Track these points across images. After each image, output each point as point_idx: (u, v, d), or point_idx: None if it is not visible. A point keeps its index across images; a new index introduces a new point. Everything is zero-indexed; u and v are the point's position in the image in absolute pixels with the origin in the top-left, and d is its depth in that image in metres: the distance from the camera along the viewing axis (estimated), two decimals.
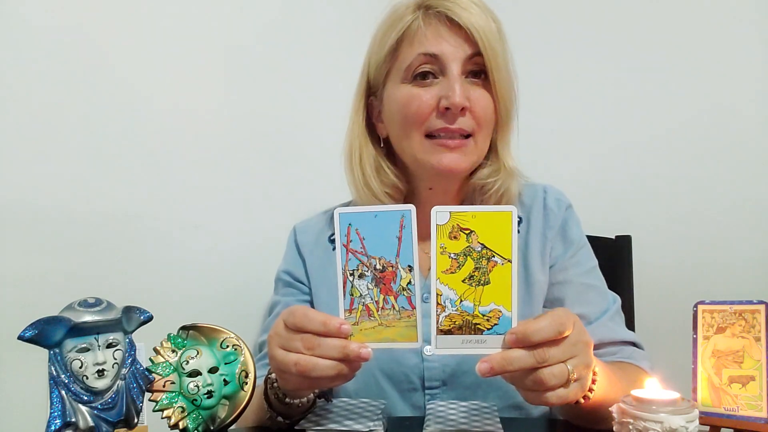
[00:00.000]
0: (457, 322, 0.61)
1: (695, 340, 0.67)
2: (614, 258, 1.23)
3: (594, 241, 0.99)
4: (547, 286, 0.91)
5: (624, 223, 1.33)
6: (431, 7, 0.87)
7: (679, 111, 1.39)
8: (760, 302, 0.63)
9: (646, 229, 1.36)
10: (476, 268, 0.60)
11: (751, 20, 1.33)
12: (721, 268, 1.33)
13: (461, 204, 0.97)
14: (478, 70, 0.87)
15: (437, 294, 0.61)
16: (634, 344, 0.89)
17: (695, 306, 0.68)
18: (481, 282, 0.60)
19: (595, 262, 0.95)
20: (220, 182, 1.24)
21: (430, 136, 0.87)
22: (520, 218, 0.95)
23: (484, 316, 0.60)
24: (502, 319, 0.60)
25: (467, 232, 0.60)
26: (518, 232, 0.93)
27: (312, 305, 0.99)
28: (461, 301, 0.61)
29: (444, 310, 0.61)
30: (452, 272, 0.61)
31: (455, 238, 0.61)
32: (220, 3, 1.26)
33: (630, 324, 1.13)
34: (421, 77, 0.87)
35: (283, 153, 1.37)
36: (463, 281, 0.61)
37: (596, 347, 0.84)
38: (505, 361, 0.58)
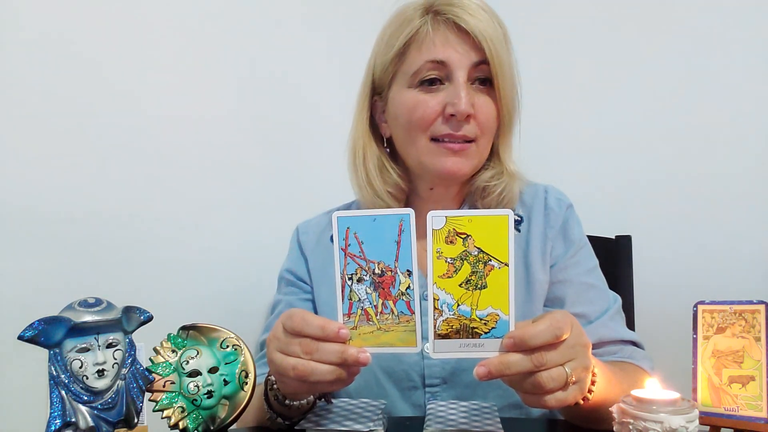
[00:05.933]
0: (454, 326, 0.61)
1: (695, 340, 0.67)
2: (614, 258, 1.23)
3: (594, 241, 0.99)
4: (548, 285, 0.91)
5: (624, 223, 1.33)
6: (440, 12, 0.87)
7: (679, 111, 1.39)
8: (760, 302, 0.63)
9: (646, 229, 1.36)
10: (473, 272, 0.60)
11: (751, 20, 1.32)
12: (721, 268, 1.33)
13: (462, 205, 0.98)
14: (484, 78, 0.88)
15: (434, 299, 0.60)
16: (634, 343, 0.89)
17: (695, 306, 0.68)
18: (478, 286, 0.60)
19: (596, 261, 0.95)
20: (221, 182, 1.24)
21: (434, 140, 0.88)
22: (521, 218, 0.95)
23: (481, 320, 0.60)
24: (499, 322, 0.60)
25: (463, 236, 0.60)
26: (518, 230, 0.94)
27: (314, 304, 1.00)
28: (458, 305, 0.60)
29: (441, 315, 0.60)
30: (449, 276, 0.60)
31: (451, 242, 0.60)
32: (219, 3, 1.26)
33: (630, 324, 1.13)
34: (428, 83, 0.88)
35: (283, 153, 1.37)
36: (460, 285, 0.60)
37: (597, 346, 0.85)
38: (503, 365, 0.58)
